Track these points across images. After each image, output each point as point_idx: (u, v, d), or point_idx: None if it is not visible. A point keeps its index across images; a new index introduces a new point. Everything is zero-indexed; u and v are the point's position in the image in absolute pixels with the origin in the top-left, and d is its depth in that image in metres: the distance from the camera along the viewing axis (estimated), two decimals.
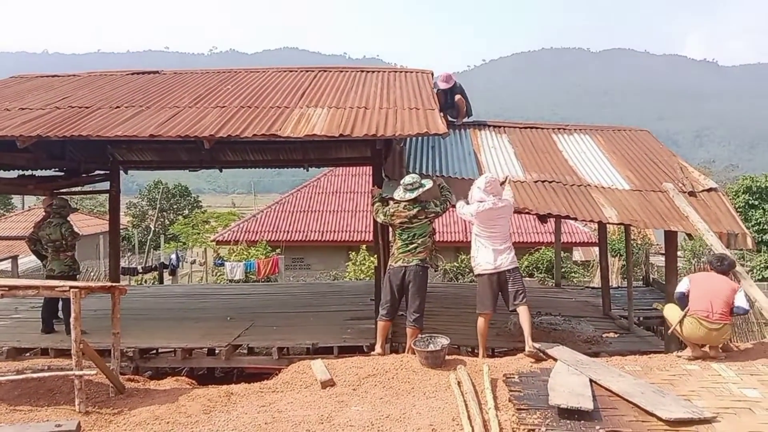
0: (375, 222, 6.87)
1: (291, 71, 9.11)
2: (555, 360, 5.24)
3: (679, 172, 7.55)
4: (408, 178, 6.18)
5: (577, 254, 22.09)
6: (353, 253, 16.97)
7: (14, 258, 12.45)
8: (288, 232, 19.43)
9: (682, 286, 5.57)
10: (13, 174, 10.20)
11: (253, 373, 6.94)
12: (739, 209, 23.10)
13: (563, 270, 16.64)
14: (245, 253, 16.40)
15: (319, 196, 21.08)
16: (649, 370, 4.93)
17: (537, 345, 5.79)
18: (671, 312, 5.56)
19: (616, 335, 8.04)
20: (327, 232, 19.48)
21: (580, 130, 9.06)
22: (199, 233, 27.31)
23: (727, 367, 4.94)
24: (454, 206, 6.68)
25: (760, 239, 22.28)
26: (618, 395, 4.27)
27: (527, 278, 16.60)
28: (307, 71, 9.04)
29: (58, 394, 4.99)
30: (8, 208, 38.86)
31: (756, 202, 22.89)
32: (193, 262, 18.23)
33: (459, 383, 4.58)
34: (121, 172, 10.97)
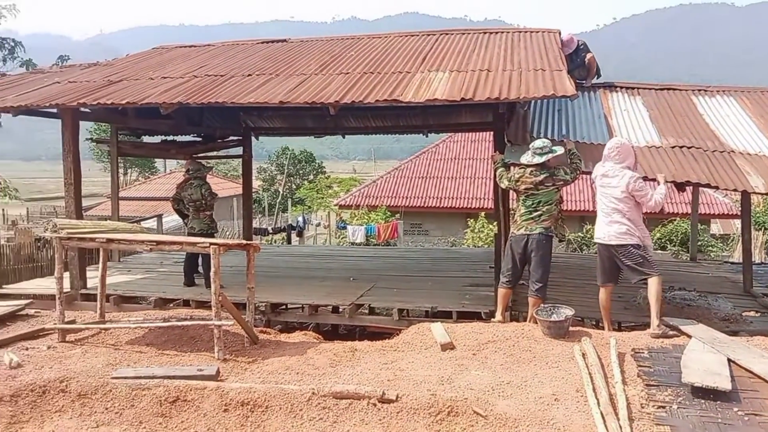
0: (496, 188, 6.76)
1: (412, 35, 9.07)
2: (689, 337, 4.96)
3: None
4: (538, 142, 5.98)
5: (715, 227, 20.52)
6: (471, 221, 16.85)
7: (159, 217, 13.56)
8: (407, 197, 19.63)
9: None
10: (157, 140, 11.12)
11: (374, 332, 7.17)
12: None
13: (699, 243, 15.55)
14: (366, 217, 16.80)
15: (438, 163, 21.04)
16: None
17: (670, 321, 5.51)
18: None
19: (758, 314, 7.43)
20: (445, 198, 19.48)
21: (724, 91, 8.31)
22: (323, 197, 28.37)
23: None
24: (586, 173, 6.43)
25: None
26: (760, 377, 3.99)
27: (659, 251, 15.70)
28: (429, 35, 8.96)
29: (199, 342, 5.44)
30: (152, 171, 42.45)
31: None
32: (318, 225, 18.93)
33: (584, 355, 4.47)
34: (253, 138, 11.56)
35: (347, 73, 7.31)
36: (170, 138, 10.88)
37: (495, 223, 8.02)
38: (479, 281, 8.25)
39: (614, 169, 5.57)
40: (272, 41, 9.93)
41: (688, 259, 11.68)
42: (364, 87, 6.62)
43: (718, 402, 3.65)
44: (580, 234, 15.79)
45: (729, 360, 4.28)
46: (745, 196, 8.74)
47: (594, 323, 6.30)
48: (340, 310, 7.36)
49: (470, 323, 5.64)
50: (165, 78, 7.77)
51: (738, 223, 15.73)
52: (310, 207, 29.79)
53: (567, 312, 5.11)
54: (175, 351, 5.28)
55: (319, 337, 6.36)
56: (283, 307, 7.54)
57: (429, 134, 12.26)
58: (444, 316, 7.04)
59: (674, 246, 15.30)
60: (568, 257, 12.07)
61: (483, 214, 16.64)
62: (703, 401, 3.67)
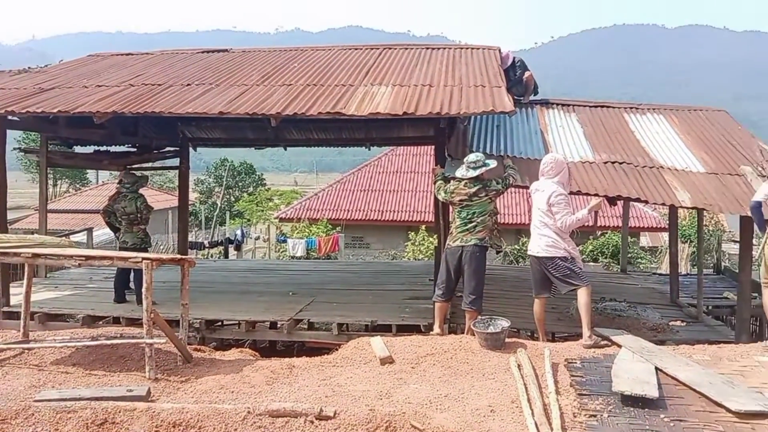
0: (436, 201, 6.83)
1: (356, 49, 9.11)
2: (619, 346, 5.11)
3: (758, 154, 7.15)
4: (472, 156, 6.11)
5: (644, 240, 21.38)
6: (412, 233, 16.99)
7: (89, 230, 13.01)
8: (348, 210, 19.63)
9: (760, 194, 5.22)
10: (89, 150, 10.72)
11: (313, 348, 7.09)
12: None
13: (629, 255, 16.16)
14: (307, 230, 16.68)
15: (380, 176, 21.16)
16: (719, 360, 4.75)
17: (601, 331, 5.68)
18: None
19: (683, 324, 7.76)
20: (387, 211, 19.59)
21: (654, 109, 8.71)
22: (263, 210, 28.01)
23: None
24: (522, 187, 6.60)
25: None
26: (685, 384, 4.14)
27: (591, 263, 16.22)
28: (372, 49, 9.01)
29: (129, 361, 5.23)
30: (84, 182, 40.88)
31: None
32: (257, 239, 18.66)
33: (519, 366, 4.54)
34: (191, 149, 11.31)
35: (290, 84, 7.26)
36: (103, 148, 10.52)
37: (435, 236, 8.10)
38: (419, 294, 8.29)
39: (545, 183, 5.74)
40: (213, 51, 9.77)
41: (619, 270, 12.11)
42: (307, 99, 6.58)
43: (647, 409, 3.77)
44: (516, 246, 16.14)
45: (656, 368, 4.43)
46: (673, 210, 9.16)
47: (529, 334, 6.44)
48: (279, 325, 7.23)
49: (410, 336, 5.65)
50: (100, 86, 7.52)
51: (666, 236, 16.45)
52: (249, 220, 29.39)
53: (503, 323, 5.19)
54: (103, 371, 5.06)
55: (256, 354, 6.22)
56: (219, 323, 7.36)
57: (371, 147, 12.29)
58: (384, 329, 7.04)
59: (606, 258, 15.85)
60: (504, 269, 12.31)
61: (424, 227, 16.81)
62: (632, 409, 3.78)
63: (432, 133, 7.83)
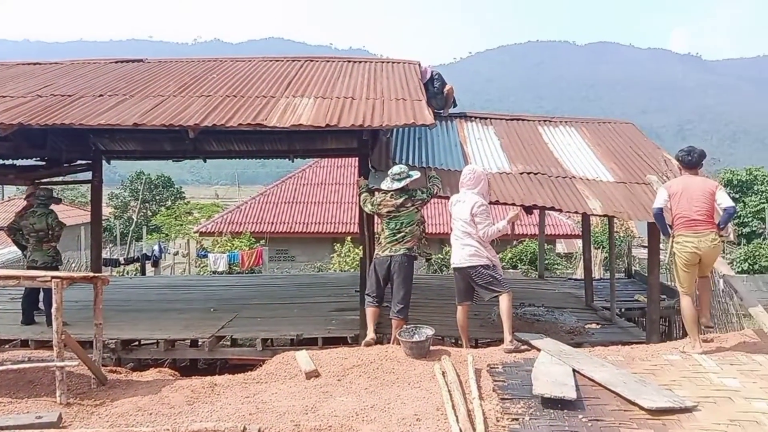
0: (361, 213, 6.87)
1: (277, 61, 9.04)
2: (539, 350, 5.28)
3: (663, 164, 7.60)
4: (396, 168, 6.19)
5: (560, 246, 22.25)
6: (338, 245, 16.95)
7: None
8: (272, 223, 19.37)
9: (659, 200, 5.41)
10: None
11: (237, 365, 6.92)
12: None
13: (546, 262, 16.78)
14: (229, 244, 16.31)
15: (304, 188, 21.03)
16: (631, 360, 4.99)
17: (521, 336, 5.85)
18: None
19: (598, 326, 8.12)
20: (312, 223, 19.47)
21: (566, 122, 9.11)
22: (182, 224, 27.13)
23: (707, 357, 5.01)
24: (443, 197, 6.72)
25: (740, 232, 22.68)
26: (601, 385, 4.32)
27: (510, 270, 16.71)
28: (294, 61, 8.97)
29: (38, 386, 4.93)
30: None
31: (737, 196, 23.28)
32: (176, 254, 18.07)
33: (443, 373, 4.60)
34: (104, 162, 10.83)
35: (208, 95, 7.10)
36: (9, 162, 9.89)
37: (361, 247, 8.11)
38: (345, 306, 8.28)
39: (466, 194, 5.87)
40: (127, 61, 9.42)
41: (537, 276, 12.54)
42: (227, 110, 6.46)
43: (565, 411, 3.90)
44: (440, 255, 16.43)
45: (574, 370, 4.61)
46: (586, 217, 9.60)
47: (454, 341, 6.55)
48: (200, 343, 7.02)
49: (336, 349, 5.62)
50: (4, 97, 7.07)
51: (580, 242, 17.19)
52: (167, 235, 28.46)
53: (428, 332, 5.26)
54: (9, 398, 4.73)
55: (176, 373, 6.03)
56: (136, 343, 7.08)
57: (295, 159, 12.19)
58: (310, 343, 6.99)
59: (524, 265, 16.39)
60: (430, 278, 12.48)
61: (349, 238, 16.81)
62: (552, 411, 3.90)
63: (356, 144, 7.83)
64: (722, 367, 4.73)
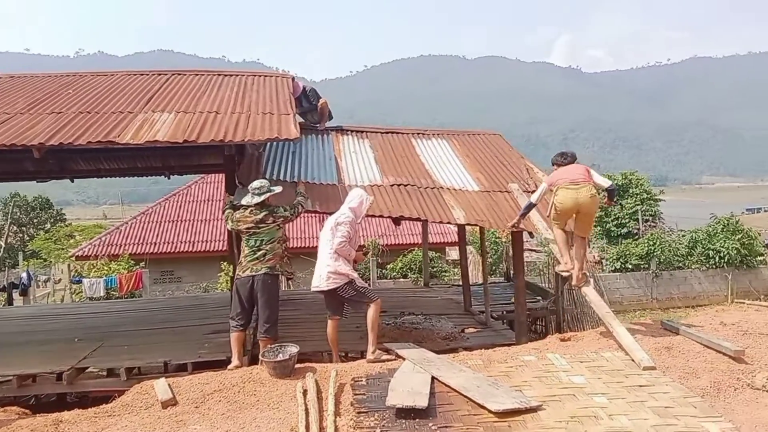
0: (229, 232, 6.67)
1: (142, 74, 8.66)
2: (404, 359, 5.33)
3: (525, 173, 7.99)
4: (256, 183, 6.06)
5: (455, 253, 22.80)
6: (225, 264, 16.45)
7: None
8: (156, 243, 18.49)
9: (537, 194, 6.19)
10: None
11: (108, 397, 6.50)
12: (599, 205, 25.05)
13: (435, 269, 17.18)
14: (106, 268, 15.39)
15: (190, 205, 20.25)
16: (490, 363, 5.14)
17: (389, 346, 5.90)
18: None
19: (475, 330, 8.37)
20: (198, 242, 18.76)
21: (438, 134, 9.36)
22: (62, 248, 25.42)
23: (561, 356, 5.26)
24: (311, 211, 6.68)
25: (618, 233, 24.27)
26: (456, 390, 4.40)
27: (401, 279, 16.95)
28: (160, 75, 8.63)
29: None
30: None
31: (615, 199, 24.91)
32: (47, 280, 16.83)
33: (305, 392, 4.53)
34: None
35: (60, 112, 6.69)
36: None
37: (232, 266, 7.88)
38: (221, 327, 7.98)
39: (340, 209, 5.92)
40: None
41: (423, 284, 12.80)
42: (78, 128, 6.10)
43: (417, 420, 3.94)
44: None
45: (433, 377, 4.68)
46: (461, 225, 9.88)
47: (330, 355, 6.48)
48: (60, 376, 6.54)
49: (198, 374, 5.38)
50: None
51: (471, 249, 17.71)
52: (46, 260, 26.58)
53: (292, 350, 5.16)
54: None
55: (27, 411, 5.56)
56: None
57: (171, 176, 11.71)
58: (182, 369, 6.71)
59: (414, 273, 16.67)
60: (305, 293, 12.30)
61: None
62: (404, 421, 3.93)
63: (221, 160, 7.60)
64: (572, 366, 4.98)
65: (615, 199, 6.35)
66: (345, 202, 6.03)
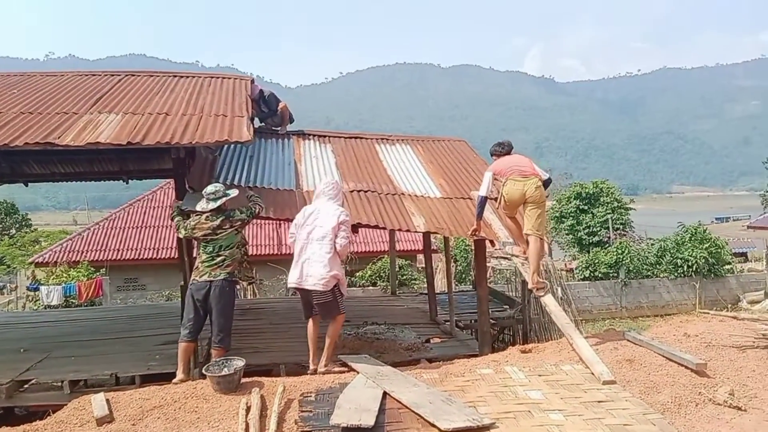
0: (179, 238, 6.38)
1: (93, 75, 8.33)
2: (358, 373, 5.11)
3: None
4: (210, 187, 5.79)
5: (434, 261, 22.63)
6: None
7: None
8: (119, 250, 17.97)
9: (484, 186, 6.27)
10: None
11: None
12: (571, 214, 25.20)
13: (405, 277, 16.99)
14: (65, 275, 14.89)
15: (155, 211, 19.74)
16: (446, 377, 4.94)
17: (344, 358, 5.67)
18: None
19: (440, 340, 8.18)
20: (163, 249, 18.27)
21: (402, 140, 9.17)
22: (26, 255, 24.73)
23: (519, 369, 5.08)
24: (266, 218, 6.43)
25: (589, 241, 24.38)
26: (407, 407, 4.19)
27: (370, 287, 16.72)
28: (113, 75, 8.29)
29: None
30: None
31: (585, 207, 25.04)
32: (2, 288, 16.26)
33: (248, 409, 4.27)
34: None
35: (0, 112, 6.33)
36: None
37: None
38: (174, 338, 7.62)
39: (327, 204, 5.60)
40: None
41: (391, 293, 12.58)
42: (16, 129, 5.77)
43: None
44: (282, 278, 15.90)
45: (385, 393, 4.46)
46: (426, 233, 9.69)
47: (301, 366, 6.18)
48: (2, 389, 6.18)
49: (139, 389, 5.10)
50: None
51: (442, 256, 17.57)
52: (9, 266, 25.82)
53: (237, 363, 4.90)
54: None
55: None
56: None
57: (129, 181, 11.36)
58: (130, 381, 6.40)
59: (383, 281, 16.43)
60: (277, 301, 12.04)
61: None
62: None
63: (170, 165, 7.29)
64: (530, 379, 4.80)
65: (546, 189, 6.54)
66: (328, 195, 5.67)
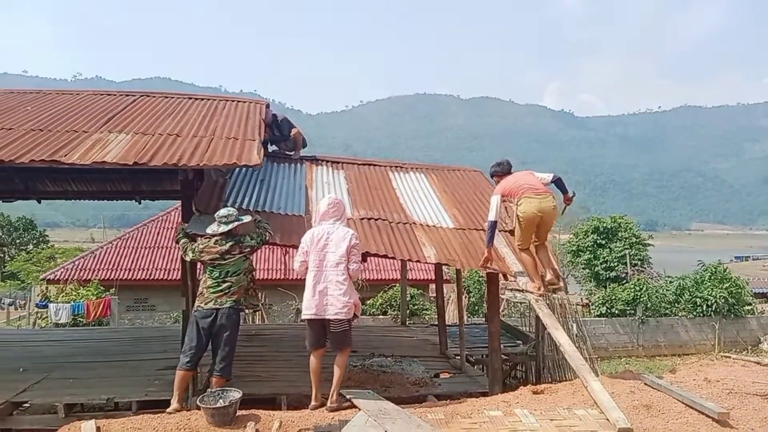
0: (183, 261, 6.25)
1: (109, 95, 8.32)
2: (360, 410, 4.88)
3: (503, 211, 7.62)
4: (223, 211, 5.66)
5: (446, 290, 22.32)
6: None
7: None
8: (130, 270, 17.92)
9: (493, 211, 6.07)
10: None
11: None
12: (588, 248, 24.79)
13: (416, 307, 16.70)
14: (75, 293, 14.83)
15: (167, 231, 19.74)
16: (452, 418, 4.69)
17: (348, 393, 5.44)
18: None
19: (449, 375, 7.91)
20: (174, 270, 18.15)
21: (416, 168, 9.03)
22: (41, 271, 24.90)
23: (530, 412, 4.82)
24: (273, 244, 6.29)
25: (606, 276, 23.91)
26: None
27: (380, 316, 16.46)
28: (127, 95, 8.28)
29: None
30: None
31: (603, 242, 24.62)
32: (11, 304, 16.26)
33: None
34: None
35: (11, 128, 6.30)
36: None
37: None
38: (176, 363, 7.50)
39: (334, 226, 5.36)
40: None
41: (400, 323, 12.31)
42: (24, 145, 5.72)
43: None
44: (291, 303, 15.70)
45: None
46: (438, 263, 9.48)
47: (304, 397, 5.94)
48: None
49: (132, 417, 4.90)
50: None
51: (454, 286, 17.29)
52: (23, 282, 25.99)
53: (233, 395, 4.70)
54: None
55: None
56: None
57: (142, 201, 11.33)
58: (128, 407, 6.23)
59: (394, 311, 16.15)
60: (285, 329, 11.83)
61: None
62: None
63: (178, 186, 7.19)
64: (541, 424, 4.54)
65: (572, 194, 6.31)
66: (333, 216, 5.41)
